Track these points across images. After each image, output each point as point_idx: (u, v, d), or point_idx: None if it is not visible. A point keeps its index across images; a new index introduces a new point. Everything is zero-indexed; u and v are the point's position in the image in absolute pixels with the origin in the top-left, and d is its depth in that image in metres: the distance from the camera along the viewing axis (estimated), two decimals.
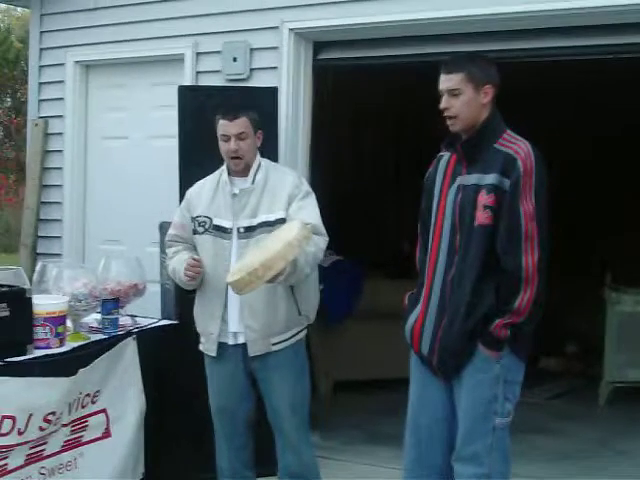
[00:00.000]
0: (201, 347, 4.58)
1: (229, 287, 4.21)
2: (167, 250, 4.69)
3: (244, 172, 4.50)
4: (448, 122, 3.88)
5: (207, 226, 4.49)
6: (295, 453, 4.51)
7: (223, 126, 4.47)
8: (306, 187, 4.53)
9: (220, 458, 4.63)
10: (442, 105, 3.86)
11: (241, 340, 4.44)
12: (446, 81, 3.84)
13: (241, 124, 4.46)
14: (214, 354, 4.49)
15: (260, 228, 4.37)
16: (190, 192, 4.68)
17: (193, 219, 4.55)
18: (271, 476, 4.65)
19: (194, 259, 4.42)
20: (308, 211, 4.40)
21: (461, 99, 3.81)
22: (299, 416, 4.51)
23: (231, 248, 4.42)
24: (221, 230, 4.45)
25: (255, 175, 4.49)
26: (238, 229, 4.41)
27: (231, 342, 4.46)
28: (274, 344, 4.40)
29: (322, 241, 4.39)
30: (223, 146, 4.49)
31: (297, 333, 4.49)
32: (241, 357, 4.46)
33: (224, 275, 4.29)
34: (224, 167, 4.57)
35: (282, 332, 4.42)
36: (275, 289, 4.31)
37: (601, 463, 6.03)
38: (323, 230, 4.41)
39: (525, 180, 3.66)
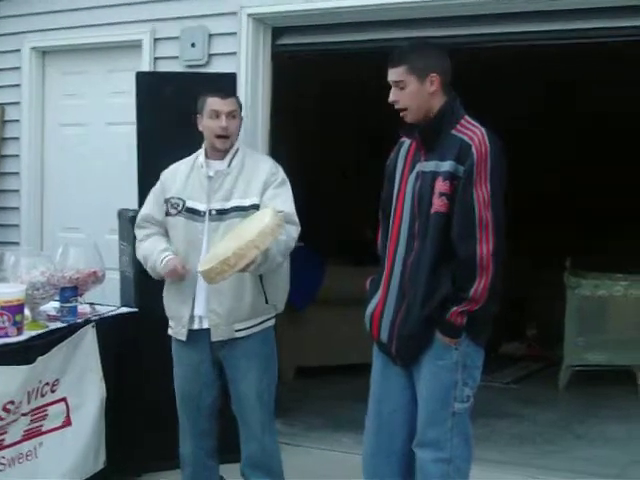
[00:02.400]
0: (170, 331, 4.53)
1: (200, 276, 4.16)
2: (137, 231, 4.62)
3: (222, 155, 4.47)
4: (401, 114, 3.88)
5: (180, 208, 4.45)
6: (259, 443, 4.49)
7: (215, 103, 4.44)
8: (282, 175, 4.50)
9: (183, 445, 4.61)
10: (390, 98, 3.86)
11: (206, 325, 4.41)
12: (391, 74, 3.84)
13: (233, 103, 4.49)
14: (184, 338, 4.44)
15: (233, 212, 4.35)
16: (164, 174, 4.63)
17: (166, 200, 4.51)
18: (235, 463, 4.63)
19: (177, 266, 4.32)
20: (282, 199, 4.38)
21: (406, 91, 3.80)
22: (265, 406, 4.49)
23: (204, 231, 4.39)
24: (194, 212, 4.41)
25: (232, 159, 4.47)
26: (210, 211, 4.38)
27: (196, 326, 4.43)
28: (237, 330, 4.37)
29: (294, 230, 4.37)
30: (212, 123, 4.43)
31: (263, 322, 4.45)
32: (208, 344, 4.42)
33: (196, 258, 4.29)
34: (201, 150, 4.53)
35: (247, 319, 4.38)
36: (243, 276, 4.26)
37: (561, 447, 6.08)
38: (296, 219, 4.39)
39: (479, 167, 3.63)
